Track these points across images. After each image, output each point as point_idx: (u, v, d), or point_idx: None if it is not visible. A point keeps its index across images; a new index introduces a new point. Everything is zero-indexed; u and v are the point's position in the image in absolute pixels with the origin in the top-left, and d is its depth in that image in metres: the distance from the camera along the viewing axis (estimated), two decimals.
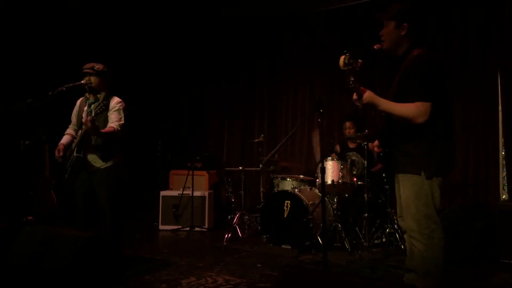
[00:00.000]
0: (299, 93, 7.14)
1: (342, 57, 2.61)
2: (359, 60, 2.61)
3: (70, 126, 4.26)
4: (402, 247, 4.81)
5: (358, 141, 5.46)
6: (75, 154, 3.87)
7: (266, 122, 7.39)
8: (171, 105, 8.09)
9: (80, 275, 2.72)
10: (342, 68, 2.60)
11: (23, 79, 6.12)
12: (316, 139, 5.80)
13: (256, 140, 5.94)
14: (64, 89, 3.97)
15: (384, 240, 4.99)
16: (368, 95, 2.71)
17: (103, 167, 3.94)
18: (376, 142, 3.11)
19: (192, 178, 6.18)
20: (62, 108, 4.53)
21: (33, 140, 5.66)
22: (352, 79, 2.63)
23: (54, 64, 6.30)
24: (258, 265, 4.30)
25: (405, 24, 2.81)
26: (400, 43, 2.85)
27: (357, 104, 2.74)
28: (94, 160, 3.95)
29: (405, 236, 2.99)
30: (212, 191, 6.50)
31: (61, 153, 3.95)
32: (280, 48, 7.27)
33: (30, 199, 5.64)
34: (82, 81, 4.01)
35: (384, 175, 3.04)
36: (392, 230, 4.96)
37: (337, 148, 5.77)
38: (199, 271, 4.05)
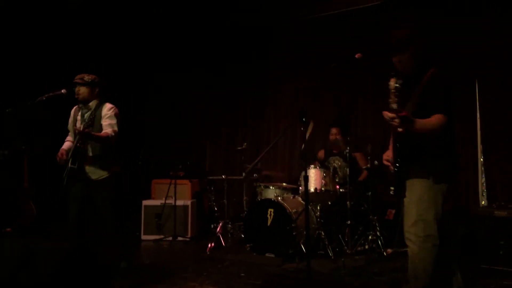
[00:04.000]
0: (282, 102, 7.16)
1: (393, 80, 2.79)
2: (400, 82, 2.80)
3: (69, 134, 4.25)
4: (385, 254, 4.86)
5: (342, 149, 5.50)
6: (70, 165, 3.83)
7: (249, 131, 7.38)
8: (153, 113, 8.03)
9: None
10: (391, 90, 2.78)
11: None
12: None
13: (239, 148, 5.93)
14: (44, 98, 3.94)
15: (367, 247, 5.02)
16: (405, 113, 2.84)
17: (101, 178, 3.91)
18: (387, 155, 3.24)
19: (175, 187, 6.14)
20: (43, 118, 4.50)
21: (12, 150, 5.57)
22: (395, 101, 2.78)
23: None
24: (242, 274, 4.28)
25: (421, 40, 3.06)
26: (414, 63, 3.08)
27: (392, 122, 2.82)
28: (92, 171, 3.92)
29: (407, 242, 3.10)
30: (195, 200, 6.47)
31: (64, 157, 3.91)
32: (264, 56, 7.28)
33: (9, 210, 5.53)
34: (62, 91, 3.98)
35: (392, 189, 3.16)
36: (374, 237, 5.00)
37: (321, 154, 5.80)
38: (183, 281, 4.03)
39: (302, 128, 3.04)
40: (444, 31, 5.58)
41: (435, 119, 2.90)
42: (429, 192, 2.96)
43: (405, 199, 3.09)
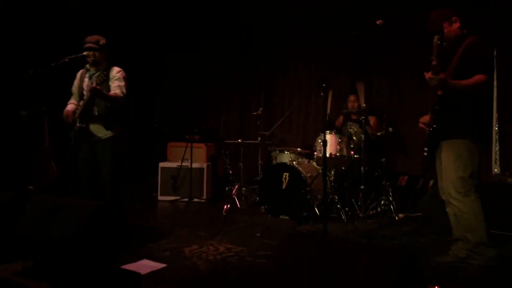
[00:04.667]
0: (297, 68, 7.15)
1: (436, 37, 3.08)
2: (444, 43, 3.10)
3: (71, 97, 4.29)
4: (396, 218, 4.97)
5: (356, 116, 5.56)
6: (78, 124, 3.92)
7: (263, 96, 7.42)
8: (167, 76, 8.09)
9: (89, 244, 2.80)
10: (433, 46, 3.06)
11: (24, 50, 6.10)
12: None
13: (255, 113, 5.99)
14: (67, 60, 4.00)
15: (379, 211, 5.13)
16: (442, 76, 3.09)
17: (105, 137, 4.01)
18: (424, 119, 3.46)
19: (191, 150, 6.26)
20: (61, 80, 4.57)
21: (32, 111, 5.69)
22: (436, 58, 3.05)
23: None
24: (257, 234, 4.43)
25: (454, 18, 3.31)
26: (456, 33, 3.32)
27: (432, 81, 3.10)
28: (97, 130, 4.01)
29: (447, 209, 3.27)
30: (210, 163, 6.59)
31: (70, 117, 4.01)
32: (278, 24, 7.22)
33: (30, 169, 5.70)
34: (84, 53, 4.04)
35: (425, 150, 3.35)
36: (387, 202, 5.10)
37: (340, 120, 5.86)
38: (200, 240, 4.16)
39: (322, 94, 3.09)
40: None
41: (475, 79, 3.09)
42: (467, 151, 3.16)
43: (443, 161, 3.27)
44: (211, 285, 3.14)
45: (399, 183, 5.59)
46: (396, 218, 4.98)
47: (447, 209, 3.37)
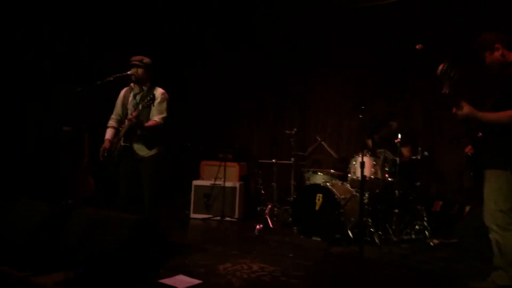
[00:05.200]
0: (331, 88, 7.17)
1: (441, 65, 2.97)
2: (458, 70, 2.98)
3: (112, 116, 4.46)
4: (431, 244, 4.89)
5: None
6: (122, 143, 4.08)
7: (297, 115, 7.44)
8: (200, 95, 8.23)
9: (129, 257, 2.88)
10: (438, 75, 2.96)
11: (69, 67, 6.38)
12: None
13: (288, 132, 6.03)
14: (112, 79, 4.18)
15: (413, 236, 5.06)
16: (467, 110, 3.06)
17: (148, 155, 4.14)
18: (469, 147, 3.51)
19: (224, 169, 6.34)
20: (104, 98, 4.75)
21: (74, 127, 5.91)
22: (447, 88, 3.00)
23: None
24: (290, 255, 4.43)
25: (497, 45, 3.23)
26: (499, 61, 3.26)
27: (458, 117, 3.09)
28: (140, 149, 4.15)
29: (490, 235, 3.25)
30: (242, 182, 6.65)
31: (106, 155, 4.20)
32: (312, 42, 7.30)
33: (70, 183, 5.89)
34: (129, 72, 4.21)
35: (471, 174, 3.36)
36: (421, 227, 5.03)
37: (369, 143, 5.82)
38: (233, 258, 4.20)
39: (360, 116, 3.13)
40: None
41: (507, 114, 3.03)
42: (507, 183, 3.08)
43: (484, 190, 3.22)
44: None
45: (434, 208, 5.51)
46: (431, 243, 4.90)
47: (490, 235, 3.29)
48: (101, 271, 2.88)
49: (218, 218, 6.22)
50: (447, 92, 2.99)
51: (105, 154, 4.22)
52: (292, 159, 5.99)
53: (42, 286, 2.92)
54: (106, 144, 4.27)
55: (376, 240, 4.79)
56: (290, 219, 5.50)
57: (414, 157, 5.33)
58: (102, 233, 3.00)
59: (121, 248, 2.87)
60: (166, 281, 3.34)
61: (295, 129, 6.08)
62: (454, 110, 3.08)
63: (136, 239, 2.91)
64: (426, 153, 5.20)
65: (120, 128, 4.23)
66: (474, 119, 3.09)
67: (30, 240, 3.23)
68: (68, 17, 6.36)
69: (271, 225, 5.63)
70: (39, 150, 6.03)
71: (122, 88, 4.46)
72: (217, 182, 6.37)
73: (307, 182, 5.67)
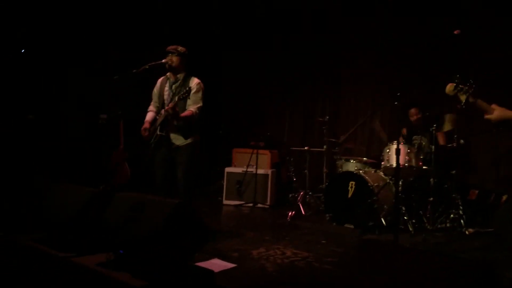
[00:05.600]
0: (364, 75, 7.08)
1: (448, 86, 2.90)
2: (469, 85, 2.88)
3: (152, 103, 4.54)
4: (466, 233, 4.82)
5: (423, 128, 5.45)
6: (158, 132, 4.16)
7: (329, 103, 7.39)
8: (232, 82, 8.27)
9: (168, 240, 2.95)
10: (450, 95, 2.89)
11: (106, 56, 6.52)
12: (377, 128, 5.87)
13: (321, 119, 6.02)
14: (147, 67, 4.25)
15: (448, 225, 5.00)
16: (498, 113, 2.93)
17: (183, 144, 4.22)
18: None
19: (257, 157, 6.39)
20: (140, 86, 4.85)
21: (110, 115, 6.06)
22: (465, 101, 2.91)
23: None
24: (323, 241, 4.46)
25: None
26: None
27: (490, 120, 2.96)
28: (176, 138, 4.23)
29: None
30: (274, 169, 6.68)
31: (147, 133, 4.26)
32: (346, 29, 7.22)
33: (106, 169, 6.05)
34: (163, 60, 4.27)
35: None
36: (456, 216, 4.96)
37: (404, 131, 5.75)
38: (266, 244, 4.26)
39: (395, 103, 3.10)
40: None
41: None
42: None
43: None
44: (280, 287, 3.21)
45: (469, 196, 5.41)
46: (466, 232, 4.83)
47: None
48: (140, 253, 2.97)
49: (250, 204, 6.28)
50: (463, 106, 2.90)
51: (147, 133, 4.28)
52: (325, 146, 5.99)
53: (84, 267, 3.03)
54: (146, 125, 4.35)
55: (410, 228, 4.76)
56: (322, 206, 5.50)
57: (450, 145, 5.25)
58: (142, 216, 3.07)
59: (160, 231, 2.94)
60: (202, 264, 3.42)
61: (327, 117, 6.06)
62: (485, 115, 2.97)
63: (175, 222, 2.98)
64: (462, 141, 5.11)
65: (157, 117, 4.30)
66: (507, 119, 2.96)
67: (73, 223, 3.35)
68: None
69: (303, 212, 5.66)
70: (78, 137, 6.21)
71: (158, 77, 4.52)
72: (249, 169, 6.43)
73: (340, 170, 5.66)
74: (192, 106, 4.22)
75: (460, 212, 4.95)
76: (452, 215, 4.98)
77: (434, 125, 5.01)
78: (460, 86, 2.85)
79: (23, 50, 5.74)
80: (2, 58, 5.58)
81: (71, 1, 6.12)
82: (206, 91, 4.40)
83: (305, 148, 6.16)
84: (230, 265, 3.52)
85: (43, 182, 5.19)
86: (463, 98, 2.86)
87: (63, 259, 3.13)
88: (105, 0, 6.46)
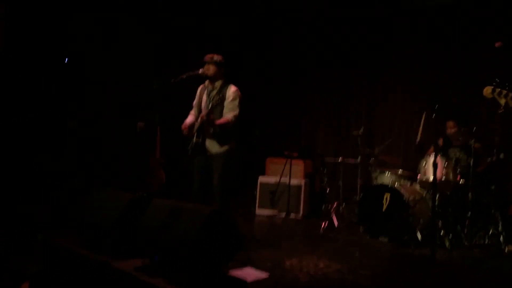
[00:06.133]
0: (399, 86, 7.01)
1: (486, 88, 2.96)
2: (510, 86, 2.93)
3: (192, 110, 4.63)
4: (506, 250, 4.67)
5: (461, 140, 5.34)
6: (195, 139, 4.23)
7: (364, 113, 7.33)
8: (266, 91, 8.31)
9: (203, 247, 3.00)
10: (487, 97, 2.94)
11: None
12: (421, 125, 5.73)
13: (355, 132, 5.98)
14: (184, 77, 4.35)
15: (487, 241, 4.86)
16: None
17: (219, 152, 4.27)
18: None
19: (290, 167, 6.39)
20: (178, 94, 4.96)
21: (147, 122, 6.20)
22: (504, 104, 2.98)
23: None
24: (356, 254, 4.42)
25: None
26: None
27: None
28: (212, 145, 4.28)
29: None
30: (307, 179, 6.66)
31: (187, 130, 4.34)
32: (380, 40, 7.17)
33: (142, 176, 6.18)
34: (199, 71, 4.36)
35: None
36: (495, 232, 4.82)
37: (440, 142, 5.64)
38: (299, 254, 4.25)
39: (433, 115, 3.06)
40: None
41: None
42: None
43: None
44: None
45: (510, 212, 5.25)
46: (506, 250, 4.68)
47: None
48: (175, 260, 3.03)
49: (283, 215, 6.28)
50: (503, 109, 2.84)
51: (186, 129, 4.34)
52: (359, 157, 5.94)
53: (122, 271, 3.11)
54: (185, 124, 4.41)
55: (447, 244, 4.66)
56: (356, 218, 5.45)
57: (489, 159, 5.12)
58: (178, 223, 3.13)
59: (195, 238, 2.99)
60: (235, 272, 3.44)
61: (362, 129, 6.01)
62: None
63: (210, 230, 3.02)
64: (502, 154, 4.97)
65: (195, 124, 4.38)
66: None
67: (112, 227, 3.44)
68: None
69: (336, 224, 5.61)
70: (116, 143, 6.38)
71: (197, 85, 4.61)
72: (283, 179, 6.43)
73: (375, 182, 5.60)
74: (228, 114, 4.26)
75: (500, 228, 4.80)
76: (491, 231, 4.85)
77: (473, 139, 4.89)
78: (498, 89, 2.82)
79: (66, 60, 5.95)
80: (45, 64, 5.79)
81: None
82: (243, 100, 4.43)
83: (339, 158, 6.12)
84: (263, 275, 3.54)
85: (83, 187, 5.36)
86: (502, 101, 2.84)
87: (102, 262, 3.23)
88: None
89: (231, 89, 4.32)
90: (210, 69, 4.34)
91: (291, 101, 8.17)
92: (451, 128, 5.49)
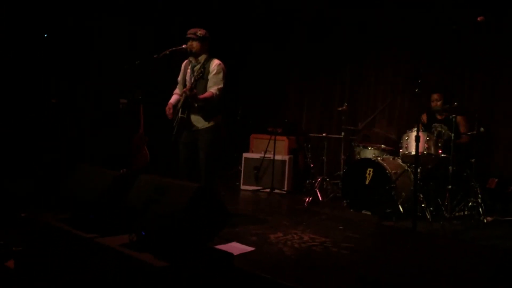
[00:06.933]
0: (383, 62, 7.02)
1: None
2: None
3: (177, 86, 4.59)
4: (485, 221, 4.80)
5: (445, 114, 5.41)
6: (179, 115, 4.20)
7: (348, 90, 7.35)
8: (250, 68, 8.27)
9: (189, 222, 3.01)
10: None
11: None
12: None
13: (340, 109, 6.02)
14: (167, 52, 4.29)
15: (466, 213, 4.98)
16: None
17: (204, 127, 4.25)
18: None
19: (274, 143, 6.42)
20: (161, 71, 4.90)
21: (130, 100, 6.13)
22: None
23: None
24: (340, 227, 4.49)
25: None
26: None
27: None
28: (197, 120, 4.26)
29: None
30: (291, 156, 6.70)
31: (171, 111, 4.30)
32: (364, 16, 7.13)
33: (126, 153, 6.14)
34: (183, 46, 4.31)
35: None
36: (475, 204, 4.94)
37: (423, 118, 5.70)
38: (284, 228, 4.31)
39: (416, 90, 3.09)
40: None
41: None
42: None
43: None
44: (298, 271, 3.27)
45: (488, 185, 5.38)
46: (485, 220, 4.81)
47: None
48: (162, 235, 3.04)
49: (267, 190, 6.33)
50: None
51: (171, 111, 4.31)
52: (343, 133, 5.99)
53: (107, 247, 3.11)
54: (169, 106, 4.38)
55: (428, 216, 4.77)
56: (339, 193, 5.53)
57: (470, 133, 5.20)
58: (164, 198, 3.13)
59: (181, 214, 3.00)
60: (221, 247, 3.48)
61: (346, 104, 6.04)
62: None
63: (196, 205, 3.03)
64: (482, 129, 5.05)
65: (177, 103, 4.35)
66: None
67: (97, 204, 3.43)
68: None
69: (320, 198, 5.69)
70: (98, 121, 6.31)
71: (181, 61, 4.56)
72: (267, 155, 6.46)
73: (358, 157, 5.67)
74: (212, 88, 4.23)
75: (479, 200, 4.91)
76: (470, 203, 4.96)
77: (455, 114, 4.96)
78: None
79: (45, 35, 5.82)
80: (24, 43, 5.66)
81: None
82: (228, 76, 4.40)
83: (323, 134, 6.16)
84: (248, 249, 3.58)
85: (66, 163, 5.31)
86: None
87: (87, 239, 3.22)
88: None
89: (214, 63, 4.28)
90: (194, 45, 4.29)
91: (274, 77, 8.14)
92: (436, 100, 5.54)
